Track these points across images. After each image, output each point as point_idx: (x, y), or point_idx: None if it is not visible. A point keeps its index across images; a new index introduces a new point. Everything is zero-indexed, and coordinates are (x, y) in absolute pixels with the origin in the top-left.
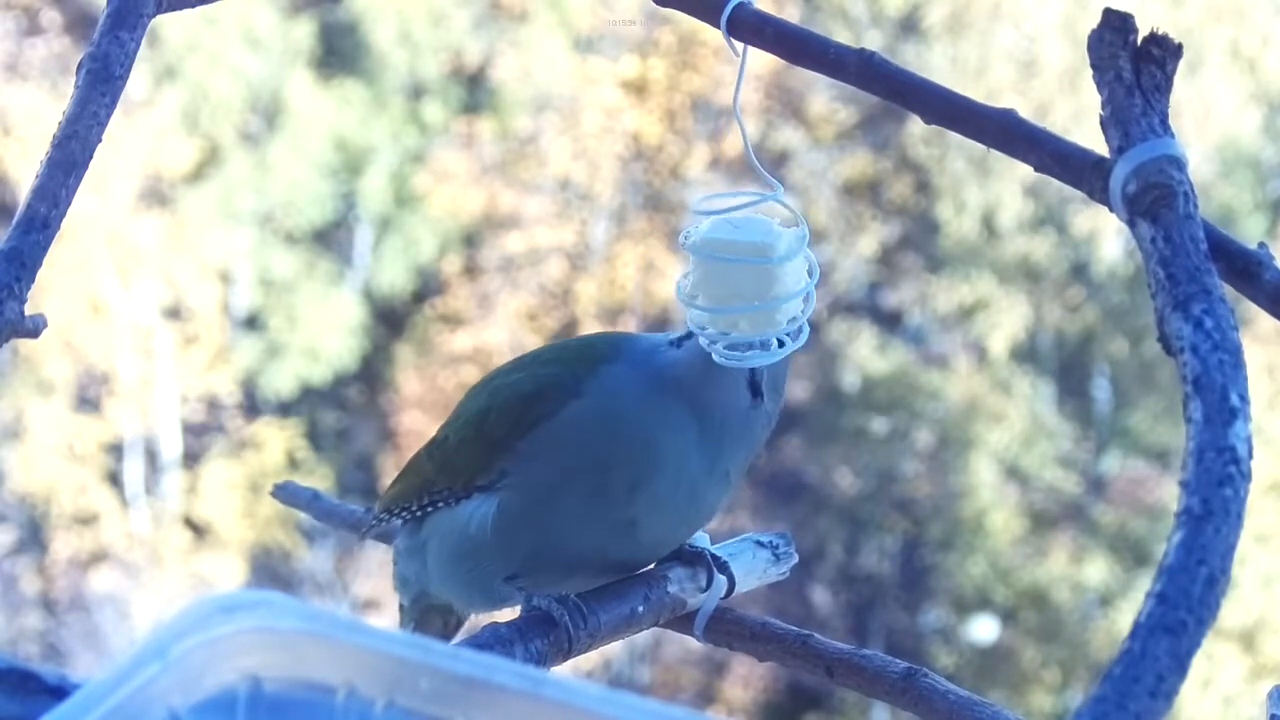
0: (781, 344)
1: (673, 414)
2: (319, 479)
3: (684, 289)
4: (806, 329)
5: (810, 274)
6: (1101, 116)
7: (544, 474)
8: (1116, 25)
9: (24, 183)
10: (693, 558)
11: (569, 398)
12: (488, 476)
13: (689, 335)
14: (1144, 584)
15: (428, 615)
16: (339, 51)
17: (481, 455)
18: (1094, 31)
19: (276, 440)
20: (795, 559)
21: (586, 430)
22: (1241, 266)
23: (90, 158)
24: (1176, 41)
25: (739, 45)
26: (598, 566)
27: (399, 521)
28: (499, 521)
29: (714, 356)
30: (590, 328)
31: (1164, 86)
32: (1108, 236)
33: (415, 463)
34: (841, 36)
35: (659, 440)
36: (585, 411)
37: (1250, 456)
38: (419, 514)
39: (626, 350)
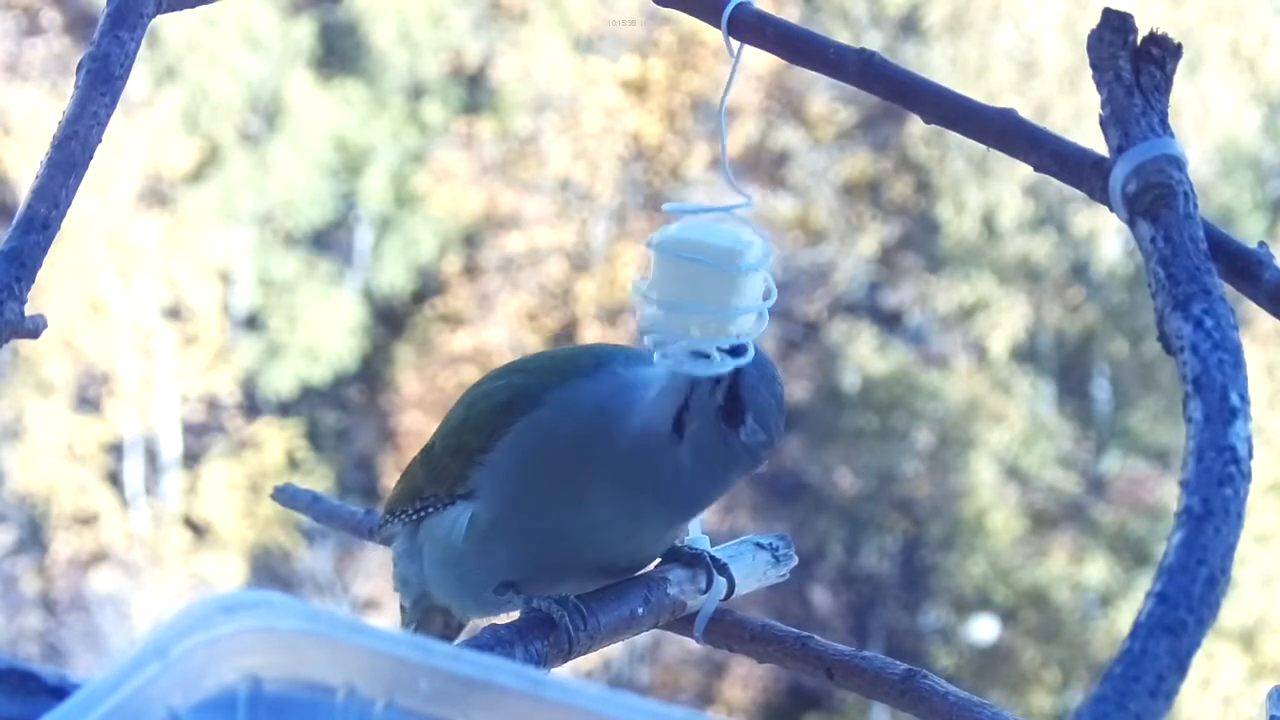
0: (723, 360)
1: (606, 435)
2: (319, 479)
3: (641, 287)
4: (752, 350)
5: (766, 295)
6: (1101, 116)
7: (504, 485)
8: (1116, 25)
9: (24, 183)
10: (692, 560)
11: (531, 409)
12: (465, 486)
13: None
14: (1144, 584)
15: (429, 616)
16: (339, 51)
17: (460, 465)
18: (1093, 31)
19: (276, 440)
20: (795, 561)
21: (534, 443)
22: (1241, 266)
23: (90, 158)
24: (1176, 41)
25: (736, 45)
26: (582, 574)
27: (399, 525)
28: (472, 531)
29: (654, 356)
30: (590, 328)
31: (1163, 86)
32: (1108, 236)
33: (411, 467)
34: (841, 36)
35: (591, 462)
36: (536, 424)
37: (1250, 456)
38: (415, 517)
39: (610, 363)
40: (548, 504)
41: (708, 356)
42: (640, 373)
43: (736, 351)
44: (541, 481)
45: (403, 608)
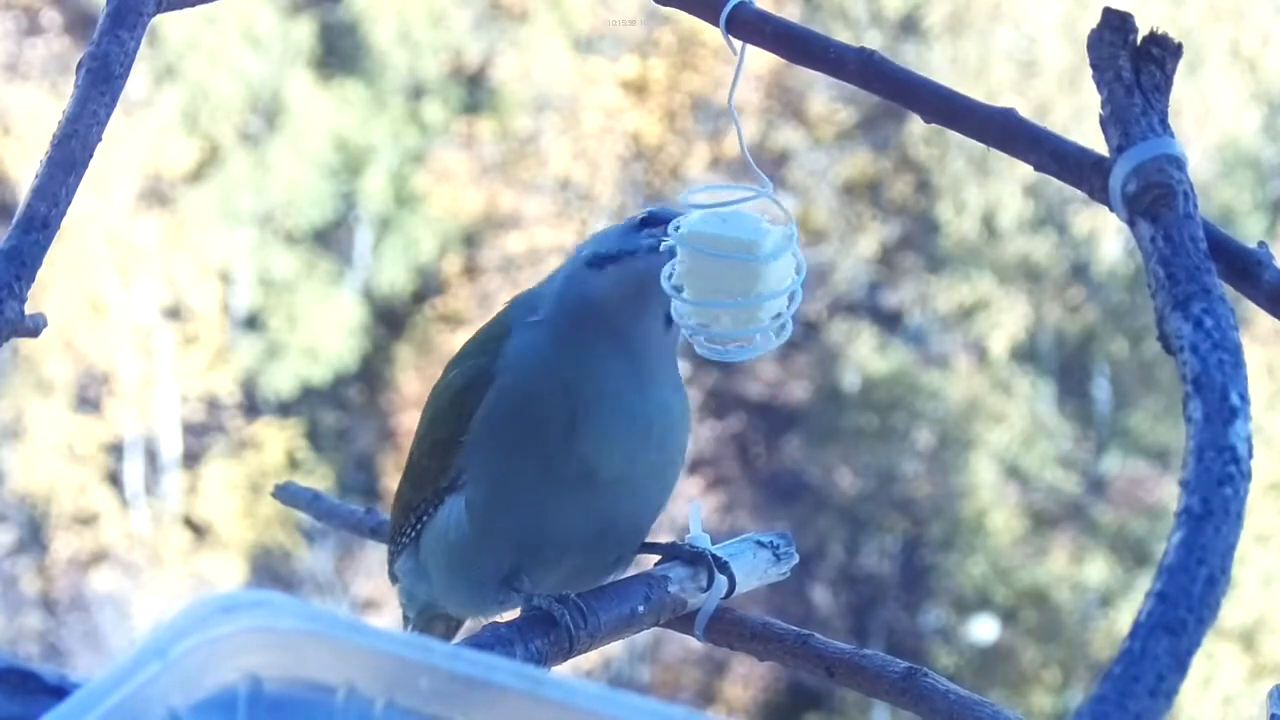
0: (767, 339)
1: (591, 347)
2: (319, 479)
3: (669, 279)
4: (790, 325)
5: (798, 271)
6: (1101, 116)
7: (490, 458)
8: (1116, 25)
9: (24, 183)
10: (694, 558)
11: (490, 381)
12: (449, 477)
13: (612, 257)
14: (1144, 584)
15: (432, 623)
16: (339, 51)
17: (439, 459)
18: (1094, 31)
19: (276, 440)
20: (796, 559)
21: (508, 405)
22: (1241, 266)
23: (90, 157)
24: (1176, 41)
25: (738, 44)
26: (585, 537)
27: (402, 548)
28: (470, 516)
29: (696, 348)
30: None
31: (1164, 86)
32: (1108, 236)
33: (398, 488)
34: (841, 36)
35: (581, 380)
36: (503, 389)
37: (1250, 456)
38: (414, 533)
39: (527, 306)
40: (539, 458)
41: (749, 341)
42: (577, 279)
43: (776, 331)
44: (529, 433)
45: (406, 616)
